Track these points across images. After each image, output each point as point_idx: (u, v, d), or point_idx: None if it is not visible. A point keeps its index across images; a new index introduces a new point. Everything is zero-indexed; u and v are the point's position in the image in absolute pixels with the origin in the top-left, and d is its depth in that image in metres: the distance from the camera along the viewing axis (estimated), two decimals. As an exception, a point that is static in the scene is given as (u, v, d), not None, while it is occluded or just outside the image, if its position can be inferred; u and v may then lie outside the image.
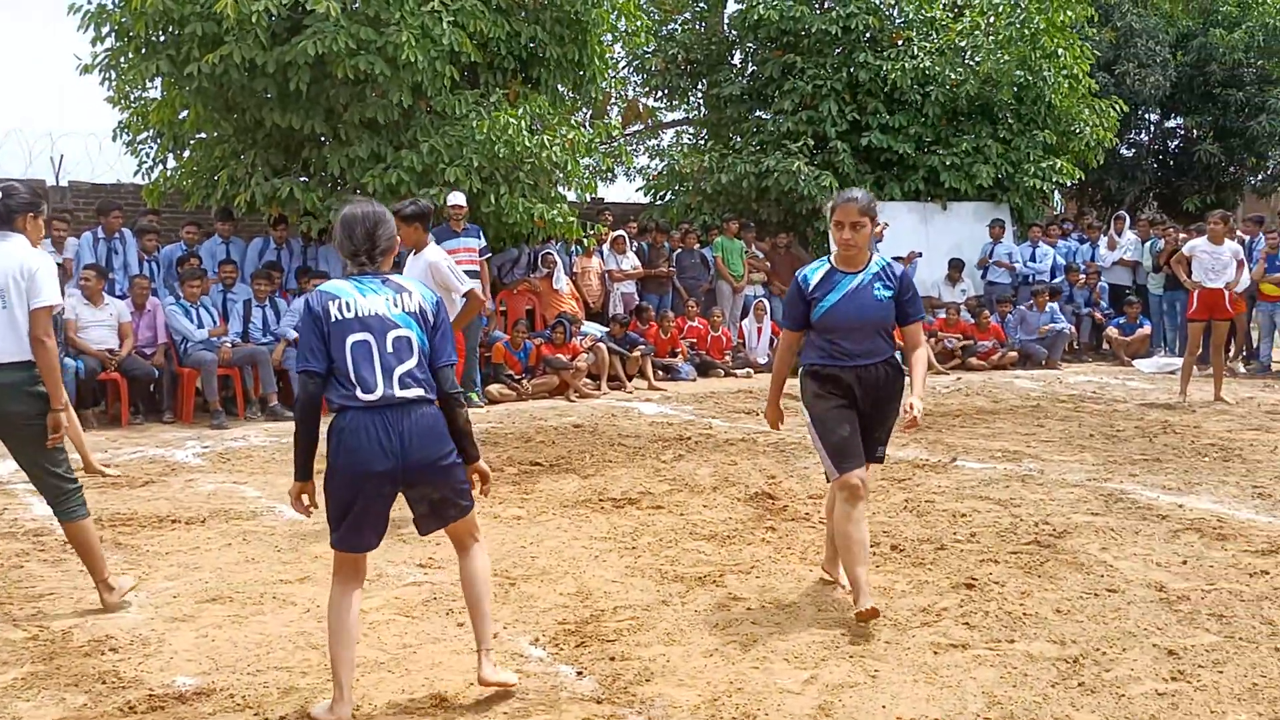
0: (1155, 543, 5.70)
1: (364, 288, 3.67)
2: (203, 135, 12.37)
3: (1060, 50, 16.53)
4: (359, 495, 3.59)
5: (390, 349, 3.60)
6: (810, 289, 4.74)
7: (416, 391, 3.63)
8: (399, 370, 3.60)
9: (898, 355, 4.78)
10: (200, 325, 10.70)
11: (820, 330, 4.72)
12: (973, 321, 15.10)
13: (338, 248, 3.80)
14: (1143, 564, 5.32)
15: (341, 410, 3.58)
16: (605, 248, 14.50)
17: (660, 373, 13.38)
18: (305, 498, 3.73)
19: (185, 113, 12.03)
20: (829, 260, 4.80)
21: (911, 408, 4.60)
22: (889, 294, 4.70)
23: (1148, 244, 15.88)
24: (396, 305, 3.67)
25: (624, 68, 19.41)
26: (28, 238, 4.64)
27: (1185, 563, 5.33)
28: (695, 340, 14.32)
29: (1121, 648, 4.22)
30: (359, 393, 3.55)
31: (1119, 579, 5.08)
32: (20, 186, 4.67)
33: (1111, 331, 15.59)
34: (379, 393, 3.56)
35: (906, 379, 4.76)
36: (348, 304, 3.62)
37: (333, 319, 3.59)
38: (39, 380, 4.53)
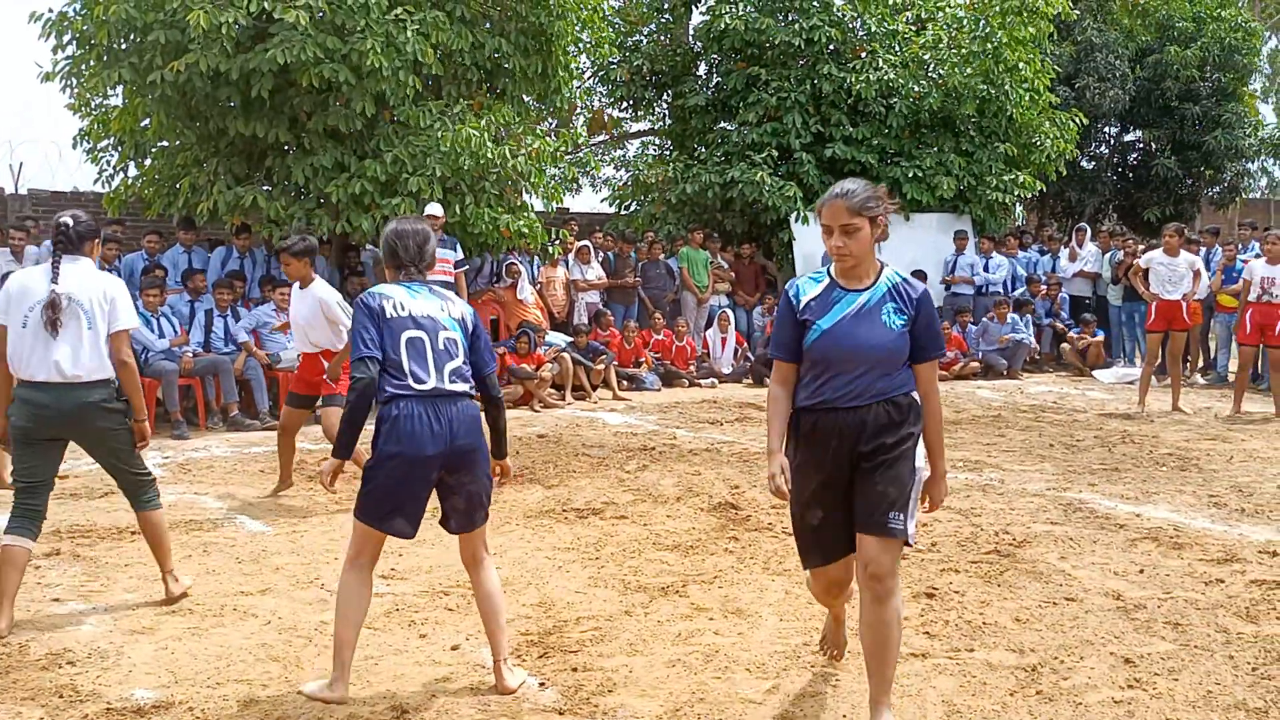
0: (1113, 552, 5.77)
1: (413, 292, 4.05)
2: (165, 143, 12.25)
3: (1022, 64, 16.73)
4: (408, 478, 3.89)
5: (441, 347, 3.97)
6: (802, 306, 3.71)
7: (462, 386, 4.00)
8: (448, 367, 3.97)
9: (915, 394, 3.70)
10: (161, 335, 10.60)
11: (810, 362, 3.69)
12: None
13: (386, 257, 4.15)
14: (1100, 573, 5.39)
15: (394, 399, 3.88)
16: (570, 258, 14.53)
17: (625, 383, 13.40)
18: (338, 476, 4.08)
19: (147, 121, 11.92)
20: (828, 272, 3.78)
21: (926, 501, 3.76)
22: (902, 321, 3.64)
23: (1108, 255, 16.08)
24: (444, 310, 4.06)
25: (589, 78, 19.44)
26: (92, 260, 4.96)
27: (1142, 571, 5.40)
28: (660, 350, 14.35)
29: (1079, 656, 4.28)
30: (412, 382, 3.88)
31: (1077, 588, 5.14)
32: (83, 214, 4.94)
33: (1069, 341, 15.79)
34: (430, 384, 3.91)
35: (920, 430, 3.68)
36: (401, 304, 3.98)
37: (388, 315, 3.94)
38: (115, 395, 4.84)
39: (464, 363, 4.03)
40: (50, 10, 11.31)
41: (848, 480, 3.66)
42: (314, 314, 7.24)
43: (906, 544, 3.64)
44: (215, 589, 5.21)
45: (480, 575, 4.12)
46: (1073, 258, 16.67)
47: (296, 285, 7.39)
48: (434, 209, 11.29)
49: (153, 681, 4.07)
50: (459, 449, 3.92)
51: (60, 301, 4.69)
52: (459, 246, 11.83)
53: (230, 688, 4.02)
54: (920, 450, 3.68)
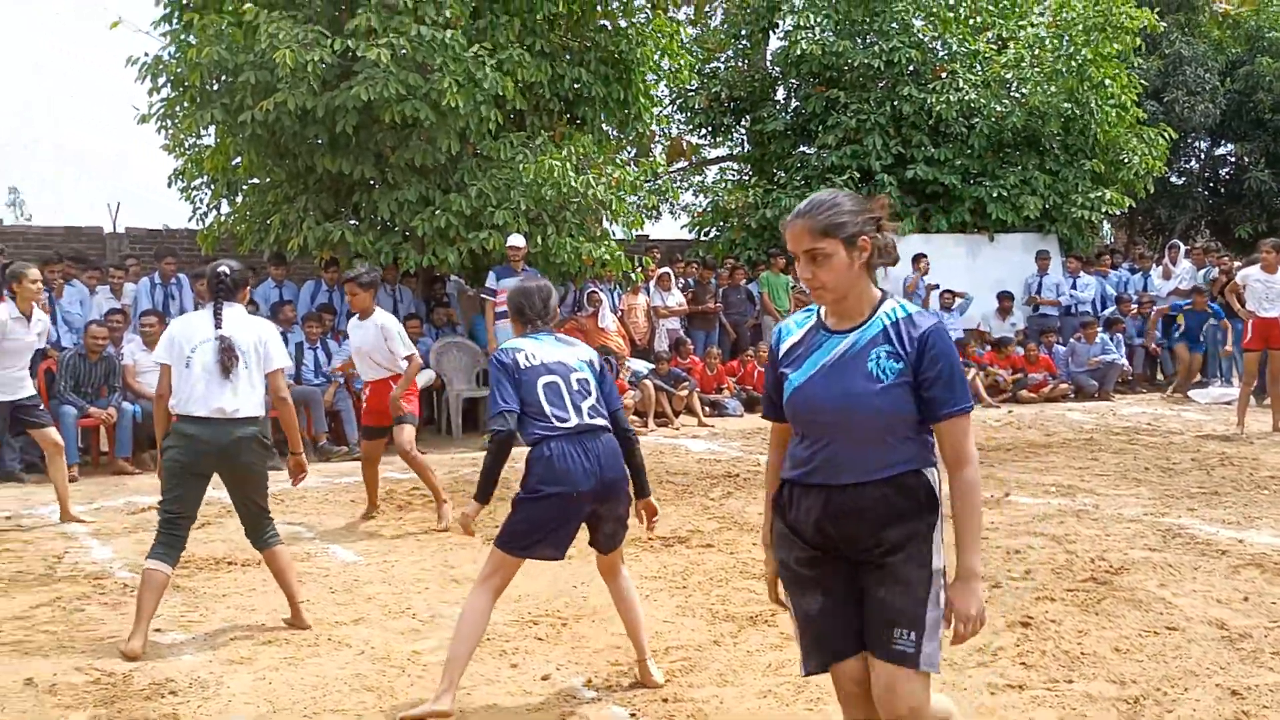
0: (1215, 579, 5.61)
1: (540, 341, 4.37)
2: (255, 181, 12.60)
3: (1108, 80, 16.45)
4: (564, 514, 4.14)
5: (575, 388, 4.25)
6: (782, 355, 3.00)
7: (601, 421, 4.27)
8: (585, 404, 4.24)
9: (930, 471, 2.86)
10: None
11: (791, 425, 2.98)
12: (1022, 354, 14.99)
13: (514, 314, 4.49)
14: (1203, 601, 5.24)
15: (542, 440, 4.13)
16: (651, 285, 14.59)
17: (707, 409, 13.37)
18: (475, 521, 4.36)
19: (238, 159, 12.26)
20: (817, 310, 3.02)
21: (950, 610, 2.83)
22: (897, 368, 2.79)
23: (1203, 272, 15.69)
24: (572, 355, 4.37)
25: (668, 106, 19.56)
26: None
27: (1246, 599, 5.24)
28: (740, 376, 14.30)
29: (1183, 688, 4.16)
30: (555, 422, 4.15)
31: (1179, 616, 5.00)
32: (236, 264, 5.37)
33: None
34: (573, 421, 4.18)
35: (938, 519, 2.87)
36: (531, 354, 4.28)
37: (522, 367, 4.23)
38: (264, 433, 5.17)
39: (598, 400, 4.30)
40: (146, 54, 11.71)
41: (844, 568, 2.89)
42: (378, 342, 7.50)
43: (928, 670, 2.78)
44: (310, 619, 5.29)
45: (618, 583, 4.41)
46: (1166, 275, 16.29)
47: (356, 316, 7.64)
48: (516, 240, 11.44)
49: (252, 711, 4.15)
50: (608, 481, 4.16)
51: (231, 345, 5.08)
52: (540, 277, 11.93)
53: (326, 717, 4.08)
54: (941, 543, 2.85)
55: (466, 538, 5.63)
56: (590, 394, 4.28)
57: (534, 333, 4.41)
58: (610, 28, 13.08)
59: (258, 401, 5.15)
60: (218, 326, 5.11)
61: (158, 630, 5.13)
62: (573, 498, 4.09)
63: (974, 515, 2.82)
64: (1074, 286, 16.18)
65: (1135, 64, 17.96)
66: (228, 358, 5.03)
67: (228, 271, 5.22)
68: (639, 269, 13.98)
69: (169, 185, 13.01)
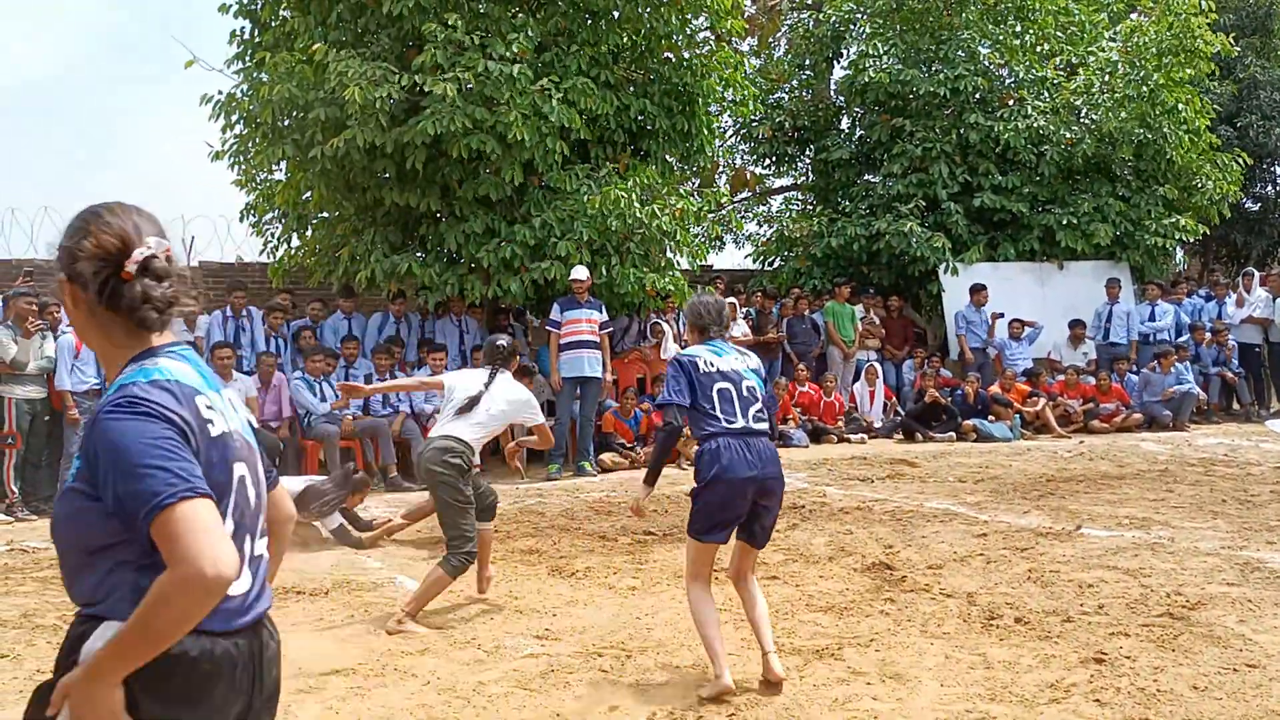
0: (1297, 615, 5.45)
1: (716, 351, 4.88)
2: (325, 215, 12.83)
3: (1180, 105, 16.18)
4: (730, 498, 4.65)
5: (745, 394, 4.78)
6: None
7: (763, 426, 4.81)
8: (752, 409, 4.78)
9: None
10: (323, 399, 11.01)
11: None
12: (1093, 383, 14.74)
13: (692, 322, 5.03)
14: (1284, 638, 5.08)
15: (711, 436, 4.69)
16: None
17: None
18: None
19: (308, 194, 12.49)
20: None
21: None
22: (78, 467, 2.01)
23: (1278, 300, 15.34)
24: (742, 364, 4.88)
25: (731, 136, 19.59)
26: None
27: (1331, 637, 5.08)
28: (806, 406, 14.22)
29: (1264, 728, 4.04)
30: (724, 423, 4.70)
31: (1259, 653, 4.86)
32: (508, 338, 6.48)
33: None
34: (740, 424, 4.72)
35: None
36: (709, 362, 4.81)
37: (700, 371, 4.77)
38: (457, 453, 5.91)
39: (762, 407, 4.84)
40: (220, 92, 11.99)
41: None
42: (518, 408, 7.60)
43: None
44: (377, 648, 5.33)
45: (749, 586, 4.88)
46: (1239, 303, 15.95)
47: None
48: (579, 273, 11.52)
49: (319, 740, 4.18)
50: (768, 476, 4.70)
51: (481, 399, 6.05)
52: (604, 309, 12.00)
53: (392, 747, 4.10)
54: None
55: (529, 570, 5.61)
56: (756, 401, 4.80)
57: (710, 340, 4.93)
58: (674, 60, 13.16)
59: (477, 441, 6.02)
60: (486, 386, 6.11)
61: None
62: (737, 483, 4.61)
63: (141, 618, 1.88)
64: (1152, 316, 15.90)
65: (1209, 88, 17.66)
66: (471, 404, 6.03)
67: (505, 344, 6.37)
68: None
69: (241, 219, 13.30)
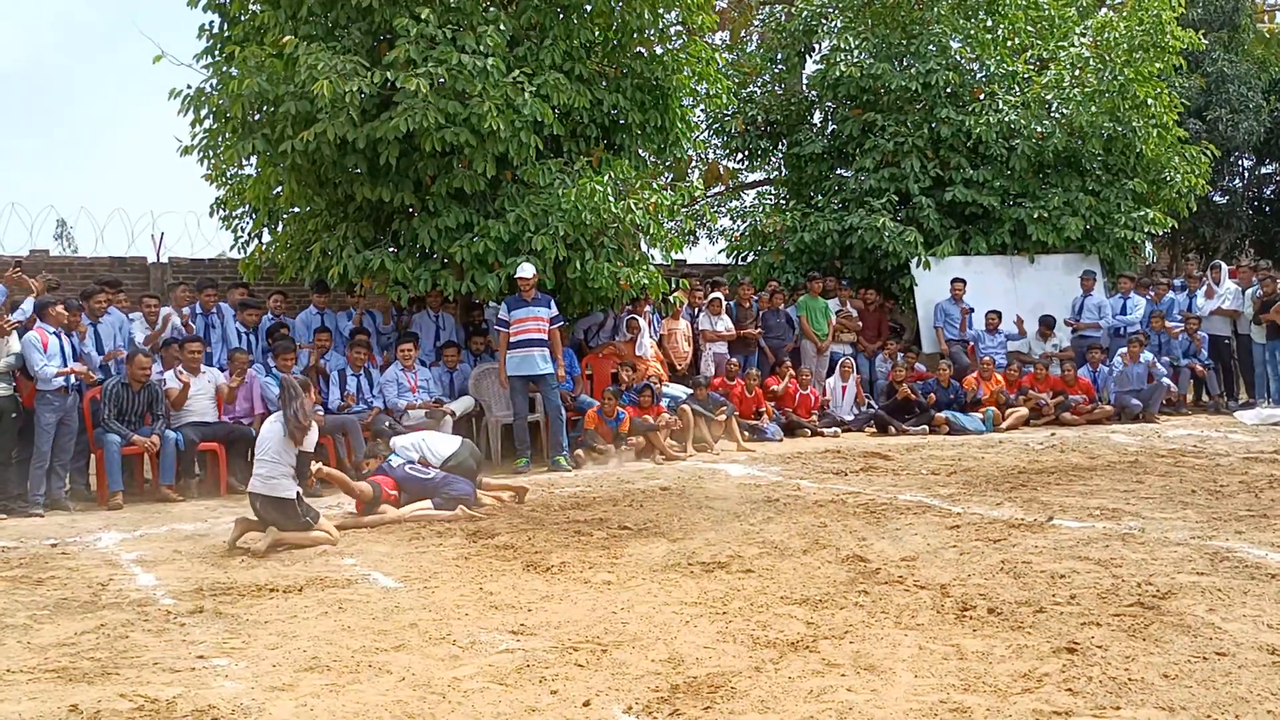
0: (1266, 603, 5.50)
1: None
2: (296, 210, 12.75)
3: (1149, 100, 16.31)
4: None
5: None
6: None
7: None
8: None
9: None
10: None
11: None
12: (1059, 375, 14.87)
13: None
14: (1253, 625, 5.13)
15: None
16: (700, 310, 14.61)
17: (746, 434, 13.32)
18: None
19: (279, 189, 12.42)
20: None
21: None
22: None
23: (1249, 291, 15.49)
24: None
25: (704, 130, 19.62)
26: None
27: (1299, 624, 5.13)
28: (782, 400, 14.25)
29: (1234, 714, 4.07)
30: None
31: (1229, 642, 4.91)
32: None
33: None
34: None
35: None
36: None
37: None
38: None
39: None
40: (189, 87, 11.89)
41: None
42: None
43: None
44: (350, 645, 5.31)
45: None
46: (1209, 295, 16.09)
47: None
48: (525, 270, 11.47)
49: (293, 737, 4.16)
50: None
51: None
52: (552, 304, 11.90)
53: (367, 744, 4.08)
54: None
55: (504, 565, 5.56)
56: None
57: None
58: (646, 54, 13.15)
59: None
60: None
61: (200, 657, 5.16)
62: None
63: None
64: (1123, 310, 16.02)
65: (1177, 83, 17.81)
66: None
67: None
68: (676, 292, 13.99)
69: (210, 214, 13.21)
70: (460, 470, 9.04)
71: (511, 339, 11.67)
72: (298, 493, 7.72)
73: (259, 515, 7.67)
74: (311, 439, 7.78)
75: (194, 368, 10.60)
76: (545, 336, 11.71)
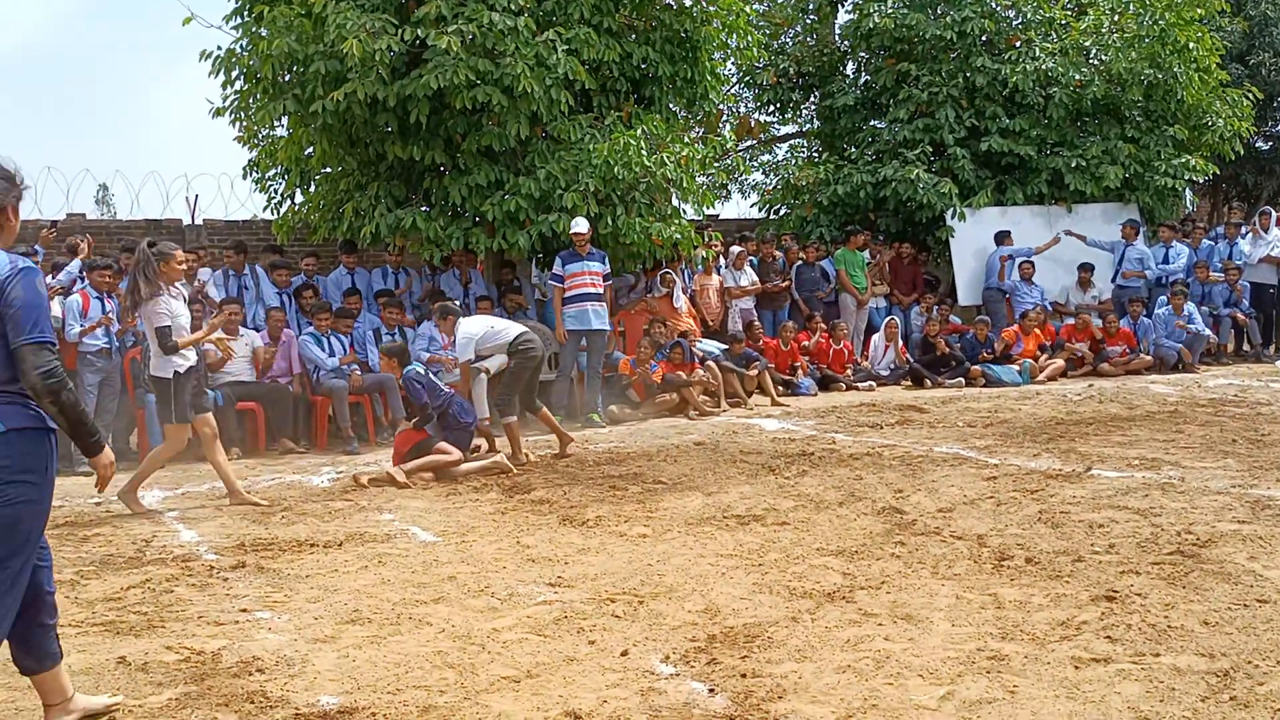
0: (1308, 551, 5.45)
1: None
2: (328, 170, 12.76)
3: (1191, 44, 15.98)
4: None
5: None
6: None
7: None
8: None
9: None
10: (331, 354, 11.02)
11: None
12: (1100, 326, 14.71)
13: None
14: (1295, 573, 5.09)
15: None
16: (726, 264, 14.53)
17: (781, 388, 13.29)
18: None
19: (311, 149, 12.42)
20: None
21: None
22: None
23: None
24: None
25: (735, 83, 19.42)
26: None
27: (1342, 571, 5.09)
28: (816, 354, 14.18)
29: (1275, 660, 4.05)
30: None
31: (1269, 589, 4.87)
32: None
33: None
34: None
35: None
36: None
37: None
38: None
39: None
40: (219, 48, 11.89)
41: None
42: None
43: None
44: (391, 598, 5.37)
45: None
46: (1257, 239, 15.78)
47: None
48: (580, 225, 11.40)
49: (336, 688, 4.21)
50: None
51: None
52: (606, 260, 11.91)
53: (409, 694, 4.13)
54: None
55: (540, 520, 5.58)
56: None
57: None
58: (675, 6, 13.00)
59: None
60: None
61: (244, 610, 5.24)
62: None
63: None
64: (1166, 259, 15.80)
65: (1219, 26, 17.44)
66: None
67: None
68: (709, 246, 13.90)
69: (244, 176, 13.25)
70: (524, 355, 9.43)
71: (566, 293, 11.65)
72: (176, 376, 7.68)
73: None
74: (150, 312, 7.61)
75: (233, 330, 10.68)
76: (601, 291, 11.68)
